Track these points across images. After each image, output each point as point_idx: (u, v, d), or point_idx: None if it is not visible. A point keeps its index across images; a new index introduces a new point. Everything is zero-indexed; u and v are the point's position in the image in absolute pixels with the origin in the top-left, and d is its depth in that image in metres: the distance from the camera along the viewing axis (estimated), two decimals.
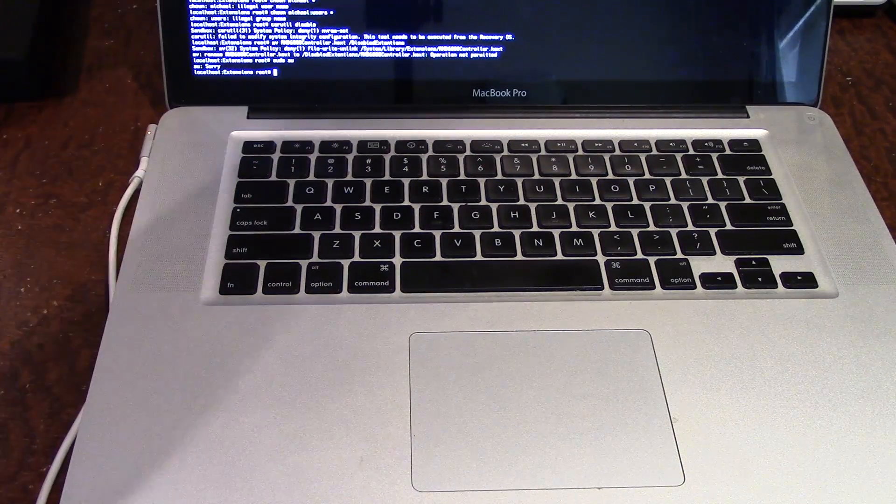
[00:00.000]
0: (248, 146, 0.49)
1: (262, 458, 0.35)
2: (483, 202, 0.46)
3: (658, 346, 0.40)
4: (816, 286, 0.43)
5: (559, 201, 0.46)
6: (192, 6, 0.48)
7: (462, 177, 0.47)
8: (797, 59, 0.51)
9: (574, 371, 0.39)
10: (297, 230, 0.44)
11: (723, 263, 0.44)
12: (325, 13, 0.48)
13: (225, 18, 0.48)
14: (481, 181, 0.47)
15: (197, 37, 0.49)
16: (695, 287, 0.43)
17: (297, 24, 0.49)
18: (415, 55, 0.50)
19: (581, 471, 0.36)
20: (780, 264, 0.44)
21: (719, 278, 0.43)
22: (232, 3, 0.48)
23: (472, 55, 0.50)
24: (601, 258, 0.44)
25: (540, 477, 0.35)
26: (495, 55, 0.50)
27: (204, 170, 0.47)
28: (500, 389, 0.38)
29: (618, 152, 0.49)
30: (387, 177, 0.47)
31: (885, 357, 0.40)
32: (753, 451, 0.36)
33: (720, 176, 0.48)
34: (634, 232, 0.45)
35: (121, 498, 0.34)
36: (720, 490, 0.35)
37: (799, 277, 0.43)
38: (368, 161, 0.48)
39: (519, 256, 0.44)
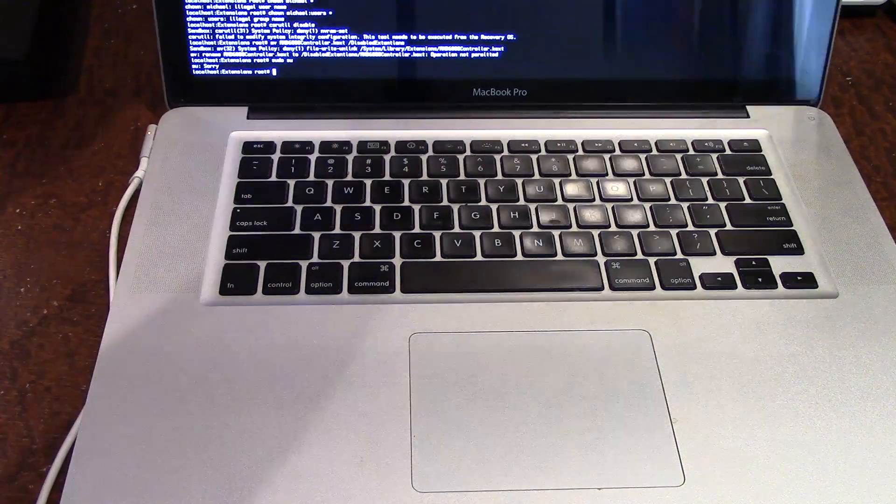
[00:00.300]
0: (248, 146, 0.49)
1: (262, 458, 0.35)
2: (483, 202, 0.46)
3: (658, 346, 0.40)
4: (816, 286, 0.43)
5: (559, 201, 0.46)
6: (188, 7, 0.48)
7: (462, 177, 0.47)
8: (798, 59, 0.51)
9: (574, 371, 0.39)
10: (297, 230, 0.44)
11: (723, 263, 0.44)
12: (324, 13, 0.48)
13: (222, 19, 0.48)
14: (481, 181, 0.47)
15: (194, 37, 0.49)
16: (695, 287, 0.43)
17: (295, 25, 0.49)
18: (415, 55, 0.50)
19: (581, 471, 0.36)
20: (780, 264, 0.44)
21: (719, 278, 0.43)
22: (229, 4, 0.48)
23: (473, 55, 0.50)
24: (601, 258, 0.44)
25: (540, 477, 0.35)
26: (496, 55, 0.50)
27: (204, 170, 0.47)
28: (500, 390, 0.38)
29: (618, 152, 0.49)
30: (387, 177, 0.47)
31: (885, 357, 0.40)
32: (753, 451, 0.36)
33: (720, 176, 0.48)
34: (634, 232, 0.45)
35: (121, 498, 0.34)
36: (720, 490, 0.35)
37: (799, 277, 0.43)
38: (368, 161, 0.48)
39: (519, 257, 0.44)
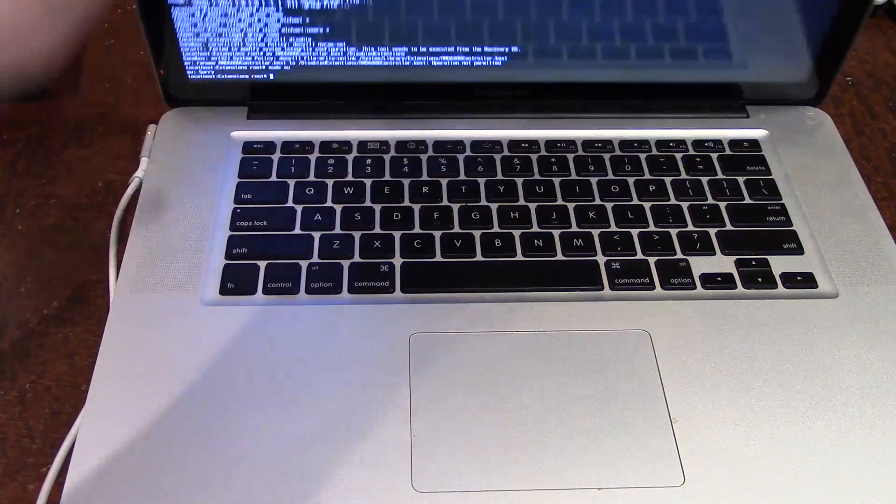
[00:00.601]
0: (248, 146, 0.49)
1: (263, 459, 0.35)
2: (483, 202, 0.46)
3: (658, 346, 0.40)
4: (816, 286, 0.43)
5: (559, 202, 0.46)
6: (178, 25, 0.47)
7: (462, 177, 0.47)
8: (800, 59, 0.51)
9: (574, 371, 0.39)
10: (297, 230, 0.44)
11: (723, 263, 0.44)
12: (320, 31, 0.48)
13: (215, 35, 0.48)
14: (481, 181, 0.47)
15: (187, 49, 0.48)
16: (695, 287, 0.43)
17: (291, 39, 0.48)
18: (415, 63, 0.49)
19: (581, 471, 0.36)
20: (780, 264, 0.44)
21: (719, 278, 0.43)
22: (221, 22, 0.47)
23: (475, 63, 0.49)
24: (601, 258, 0.44)
25: (540, 477, 0.35)
26: (499, 63, 0.49)
27: (204, 170, 0.47)
28: (499, 390, 0.38)
29: (618, 152, 0.49)
30: (387, 177, 0.47)
31: (885, 357, 0.40)
32: (753, 451, 0.36)
33: (720, 176, 0.48)
34: (634, 232, 0.45)
35: (121, 498, 0.34)
36: (720, 490, 0.35)
37: (799, 277, 0.43)
38: (368, 161, 0.48)
39: (519, 257, 0.44)
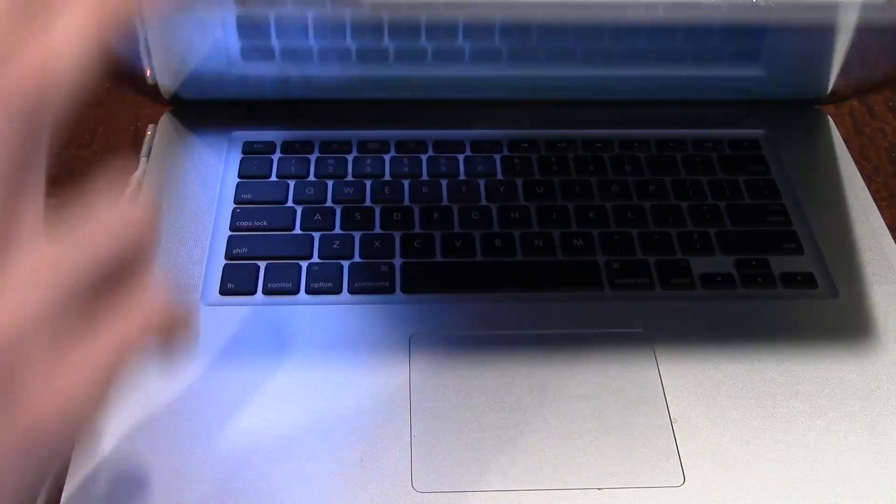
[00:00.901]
0: (249, 146, 0.49)
1: (262, 459, 0.35)
2: (483, 203, 0.46)
3: (658, 346, 0.40)
4: (816, 286, 0.43)
5: (559, 202, 0.46)
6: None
7: (462, 177, 0.47)
8: (801, 58, 0.51)
9: (573, 372, 0.39)
10: (297, 230, 0.44)
11: (723, 263, 0.44)
12: (316, 80, 0.48)
13: (209, 78, 0.48)
14: (481, 181, 0.47)
15: (181, 83, 0.48)
16: (695, 287, 0.43)
17: (287, 85, 0.49)
18: (416, 97, 0.50)
19: (581, 471, 0.36)
20: (779, 264, 0.44)
21: (719, 278, 0.43)
22: (217, 73, 0.48)
23: (476, 96, 0.50)
24: (601, 259, 0.44)
25: (540, 477, 0.35)
26: (500, 96, 0.50)
27: (204, 170, 0.47)
28: (499, 390, 0.38)
29: (618, 152, 0.49)
30: (387, 177, 0.47)
31: (885, 357, 0.40)
32: (753, 451, 0.36)
33: (720, 176, 0.48)
34: (634, 232, 0.45)
35: (120, 498, 0.34)
36: (720, 490, 0.35)
37: (799, 277, 0.43)
38: (368, 161, 0.48)
39: (519, 257, 0.44)
